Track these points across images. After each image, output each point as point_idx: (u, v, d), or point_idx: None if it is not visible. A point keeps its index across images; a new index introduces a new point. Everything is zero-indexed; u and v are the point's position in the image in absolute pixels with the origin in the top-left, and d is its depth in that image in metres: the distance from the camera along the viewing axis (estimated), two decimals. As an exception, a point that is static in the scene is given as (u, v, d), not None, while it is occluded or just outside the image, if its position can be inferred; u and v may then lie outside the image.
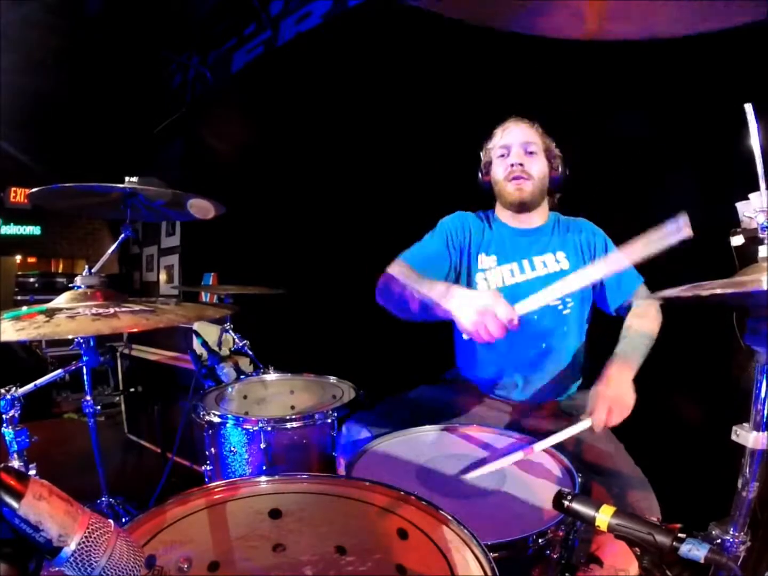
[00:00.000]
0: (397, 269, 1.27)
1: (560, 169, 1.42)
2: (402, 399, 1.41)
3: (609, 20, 0.76)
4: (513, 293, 1.36)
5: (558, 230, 1.45)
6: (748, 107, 0.80)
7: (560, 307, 1.36)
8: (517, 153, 1.37)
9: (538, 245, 1.41)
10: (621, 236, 1.43)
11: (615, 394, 1.06)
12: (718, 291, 0.66)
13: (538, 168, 1.38)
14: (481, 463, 0.99)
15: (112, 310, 1.01)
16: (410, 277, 1.19)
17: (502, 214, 1.47)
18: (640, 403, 1.07)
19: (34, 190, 1.35)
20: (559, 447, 1.04)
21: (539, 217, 1.45)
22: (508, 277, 1.39)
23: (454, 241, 1.42)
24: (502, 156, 1.40)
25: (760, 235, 0.77)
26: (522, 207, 1.40)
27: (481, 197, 1.52)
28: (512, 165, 1.37)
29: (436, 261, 1.38)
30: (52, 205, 1.67)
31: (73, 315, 0.98)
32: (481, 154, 1.50)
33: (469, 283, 1.41)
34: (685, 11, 0.72)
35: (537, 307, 0.98)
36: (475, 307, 0.94)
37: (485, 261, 1.42)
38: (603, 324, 1.42)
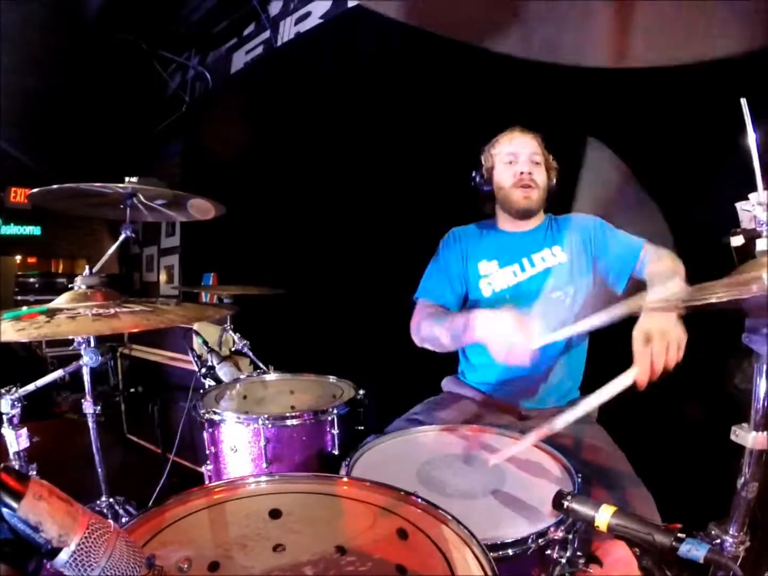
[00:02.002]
0: (422, 312, 1.41)
1: (554, 180, 1.48)
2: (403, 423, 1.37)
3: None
4: (517, 291, 1.42)
5: (552, 228, 1.49)
6: (743, 102, 0.80)
7: (562, 297, 1.39)
8: (526, 162, 1.42)
9: (534, 243, 1.46)
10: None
11: (660, 330, 0.92)
12: (725, 293, 0.65)
13: (542, 178, 1.44)
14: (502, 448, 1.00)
15: (112, 311, 1.01)
16: (437, 317, 1.33)
17: (501, 218, 1.51)
18: (640, 402, 1.07)
19: (34, 190, 1.35)
20: (559, 447, 1.05)
21: (535, 220, 1.50)
22: (511, 278, 1.43)
23: (458, 265, 1.49)
24: (510, 163, 1.44)
25: (758, 229, 0.77)
26: (526, 214, 1.46)
27: (476, 198, 1.53)
28: (522, 173, 1.41)
29: (450, 287, 1.47)
30: (52, 205, 1.67)
31: (73, 315, 0.98)
32: (482, 157, 1.52)
33: (474, 291, 1.46)
34: (674, 39, 0.74)
35: (558, 339, 1.05)
36: (504, 336, 1.04)
37: (486, 267, 1.46)
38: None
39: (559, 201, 1.52)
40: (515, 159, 1.43)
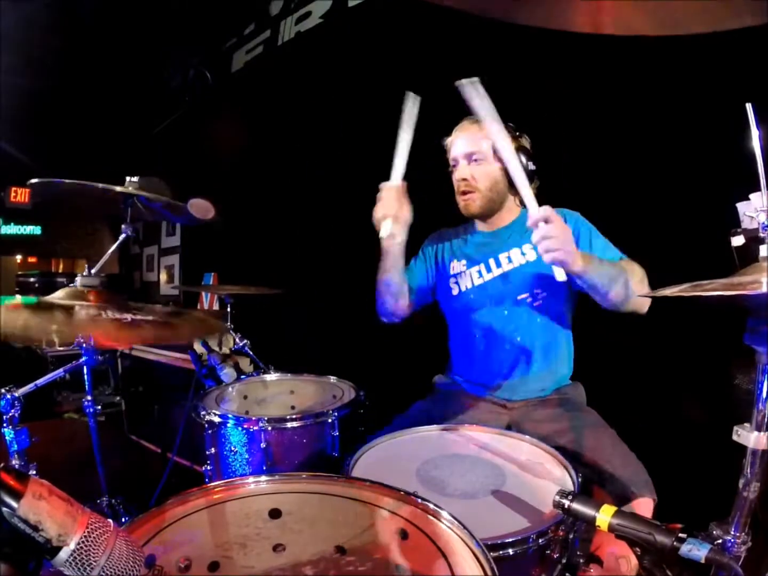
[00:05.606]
0: None
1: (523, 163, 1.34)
2: (398, 422, 1.37)
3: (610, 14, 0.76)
4: (481, 292, 1.42)
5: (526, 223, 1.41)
6: (749, 107, 0.80)
7: (529, 299, 1.36)
8: (463, 166, 1.38)
9: (504, 242, 1.42)
10: (620, 237, 1.44)
11: (564, 233, 1.04)
12: (719, 292, 0.66)
13: (487, 176, 1.36)
14: None
15: (128, 318, 0.98)
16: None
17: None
18: (641, 402, 1.07)
19: (34, 181, 1.33)
20: (559, 447, 1.05)
21: (508, 215, 1.45)
22: (476, 278, 1.43)
23: (431, 260, 1.55)
24: (454, 168, 1.42)
25: (761, 235, 0.76)
26: (480, 218, 1.45)
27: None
28: (458, 180, 1.39)
29: (422, 283, 1.54)
30: (52, 202, 1.66)
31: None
32: None
33: (445, 290, 1.49)
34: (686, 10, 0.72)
35: None
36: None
37: (456, 266, 1.48)
38: (595, 317, 1.41)
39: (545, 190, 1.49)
40: (456, 164, 1.41)
